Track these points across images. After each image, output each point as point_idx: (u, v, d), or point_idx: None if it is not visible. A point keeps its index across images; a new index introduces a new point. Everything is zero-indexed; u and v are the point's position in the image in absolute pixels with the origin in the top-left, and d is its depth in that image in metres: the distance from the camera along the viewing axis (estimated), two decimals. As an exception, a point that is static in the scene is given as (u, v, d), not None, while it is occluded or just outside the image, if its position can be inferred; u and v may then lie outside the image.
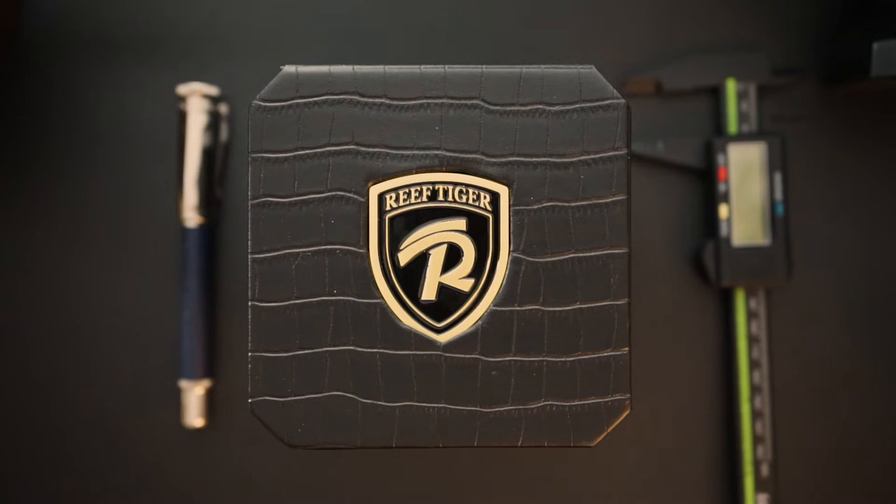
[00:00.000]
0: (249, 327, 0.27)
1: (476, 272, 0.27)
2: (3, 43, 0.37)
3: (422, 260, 0.28)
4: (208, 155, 0.38)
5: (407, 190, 0.27)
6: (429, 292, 0.28)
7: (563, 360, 0.27)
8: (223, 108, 0.39)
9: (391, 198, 0.27)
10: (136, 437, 0.39)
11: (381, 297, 0.27)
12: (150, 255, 0.39)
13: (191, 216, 0.38)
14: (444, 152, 0.27)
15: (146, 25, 0.39)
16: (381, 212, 0.27)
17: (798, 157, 0.40)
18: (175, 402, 0.39)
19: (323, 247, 0.27)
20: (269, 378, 0.27)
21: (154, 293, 0.39)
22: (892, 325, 0.40)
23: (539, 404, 0.28)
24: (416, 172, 0.27)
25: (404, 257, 0.28)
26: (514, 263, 0.27)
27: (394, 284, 0.27)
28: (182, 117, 0.38)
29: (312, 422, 0.27)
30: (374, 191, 0.27)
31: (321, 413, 0.27)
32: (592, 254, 0.27)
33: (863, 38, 0.36)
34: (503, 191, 0.27)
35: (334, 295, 0.27)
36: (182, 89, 0.38)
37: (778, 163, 0.39)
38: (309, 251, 0.27)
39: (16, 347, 0.39)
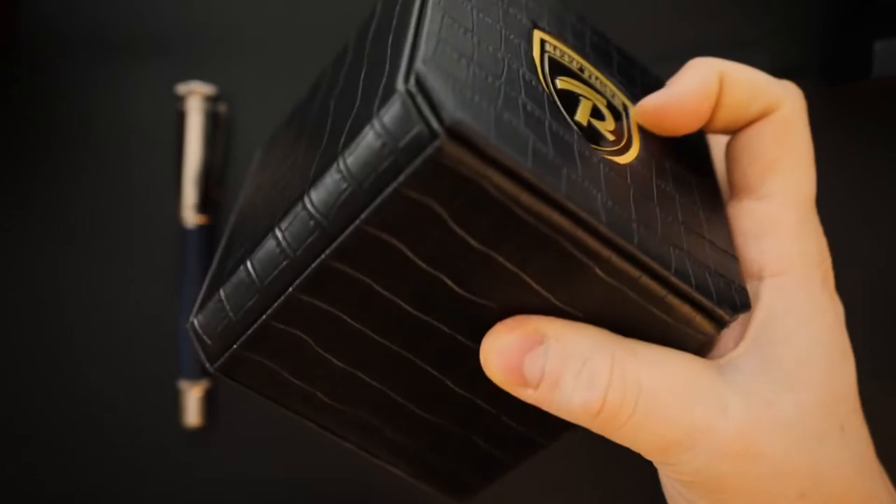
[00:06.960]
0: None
1: None
2: (2, 43, 0.37)
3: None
4: (208, 155, 0.38)
5: None
6: None
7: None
8: (223, 108, 0.39)
9: None
10: (135, 438, 0.39)
11: None
12: (149, 255, 0.39)
13: (190, 216, 0.38)
14: None
15: (146, 25, 0.39)
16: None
17: (798, 157, 0.40)
18: (175, 402, 0.39)
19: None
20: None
21: (154, 293, 0.39)
22: (893, 325, 0.40)
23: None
24: None
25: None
26: None
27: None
28: (181, 117, 0.38)
29: None
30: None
31: None
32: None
33: (863, 37, 0.36)
34: None
35: None
36: (181, 89, 0.38)
37: (778, 163, 0.38)
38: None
39: (14, 347, 0.39)
